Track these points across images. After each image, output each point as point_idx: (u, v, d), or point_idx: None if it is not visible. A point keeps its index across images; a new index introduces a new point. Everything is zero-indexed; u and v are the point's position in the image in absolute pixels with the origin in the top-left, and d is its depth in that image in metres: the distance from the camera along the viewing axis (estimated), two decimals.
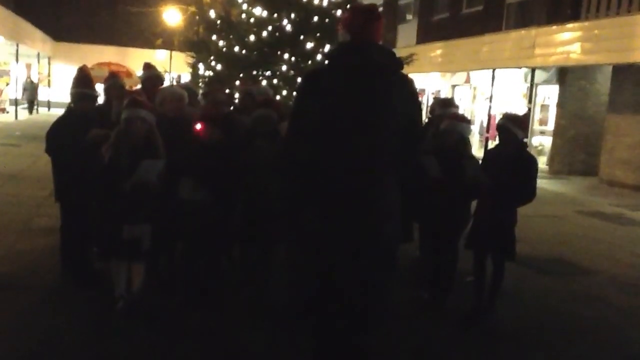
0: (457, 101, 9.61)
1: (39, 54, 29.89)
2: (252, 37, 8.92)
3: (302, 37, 8.76)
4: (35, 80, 30.47)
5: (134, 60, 29.47)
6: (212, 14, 10.03)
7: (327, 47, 8.68)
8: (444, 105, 6.28)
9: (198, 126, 4.97)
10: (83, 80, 5.60)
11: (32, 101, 29.70)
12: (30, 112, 29.10)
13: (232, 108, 6.67)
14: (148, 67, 6.72)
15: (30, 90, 29.54)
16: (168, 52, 29.14)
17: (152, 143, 4.74)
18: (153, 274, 5.15)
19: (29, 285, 5.34)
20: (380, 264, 3.27)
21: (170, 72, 12.49)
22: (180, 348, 4.29)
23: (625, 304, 6.04)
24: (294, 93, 8.34)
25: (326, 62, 3.47)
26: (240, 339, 4.49)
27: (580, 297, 6.13)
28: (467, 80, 21.84)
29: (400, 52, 8.77)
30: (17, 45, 24.31)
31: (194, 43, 10.40)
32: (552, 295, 6.10)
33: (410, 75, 3.53)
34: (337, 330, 3.32)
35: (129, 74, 24.10)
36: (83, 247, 5.54)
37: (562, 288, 6.40)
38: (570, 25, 15.07)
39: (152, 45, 31.17)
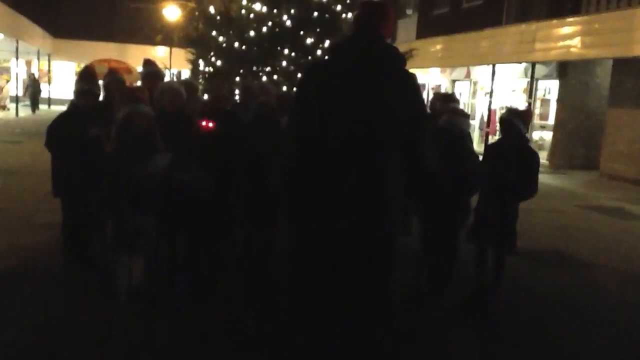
0: (457, 96, 9.61)
1: (39, 51, 29.85)
2: (252, 33, 8.92)
3: (302, 32, 8.76)
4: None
5: (133, 57, 29.42)
6: (211, 9, 10.02)
7: (327, 43, 8.68)
8: (445, 101, 6.28)
9: (205, 123, 5.04)
10: (87, 77, 5.66)
11: (35, 99, 28.56)
12: (34, 110, 27.92)
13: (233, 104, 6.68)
14: (148, 63, 6.73)
15: (34, 88, 28.56)
16: (168, 48, 29.09)
17: (152, 137, 4.77)
18: (154, 264, 5.17)
19: (31, 279, 5.35)
20: (380, 255, 3.29)
21: (170, 68, 12.52)
22: (183, 338, 4.30)
23: (625, 296, 6.06)
24: (294, 88, 8.35)
25: (329, 53, 3.49)
26: (243, 326, 4.52)
27: (581, 290, 6.14)
28: (467, 75, 21.81)
29: (400, 47, 8.71)
30: (17, 42, 24.28)
31: (194, 39, 10.41)
32: (553, 288, 6.11)
33: (411, 71, 3.55)
34: (337, 319, 3.35)
35: (129, 70, 24.05)
36: (84, 241, 5.56)
37: (563, 281, 6.40)
38: (570, 20, 15.05)
39: (152, 42, 31.16)
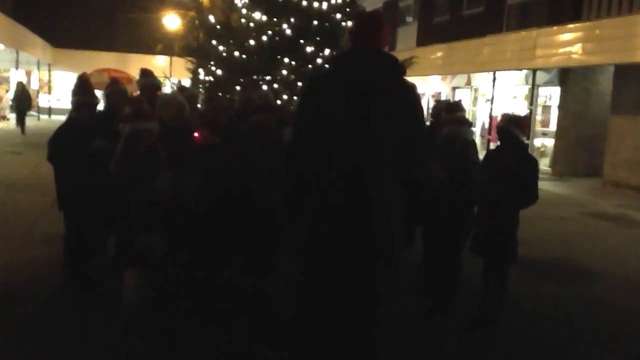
0: None
1: (39, 61, 29.88)
2: (252, 42, 8.89)
3: (302, 41, 8.74)
4: (32, 87, 29.67)
5: (134, 66, 29.28)
6: (211, 19, 10.00)
7: (327, 51, 8.66)
8: (450, 110, 6.21)
9: (196, 134, 4.98)
10: (83, 88, 5.58)
11: (23, 112, 22.57)
12: (20, 125, 22.27)
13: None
14: (145, 73, 6.67)
15: (21, 99, 22.66)
16: (168, 57, 29.12)
17: (157, 154, 4.72)
18: (157, 280, 5.11)
19: (32, 293, 5.30)
20: (380, 272, 3.24)
21: (170, 77, 12.55)
22: (181, 357, 4.25)
23: (630, 305, 5.99)
24: (295, 97, 8.32)
25: (329, 68, 3.47)
26: (242, 348, 4.45)
27: (585, 299, 6.08)
28: (468, 83, 21.81)
29: (400, 54, 8.70)
30: (17, 53, 24.32)
31: (194, 48, 10.37)
32: (557, 298, 6.05)
33: (411, 78, 3.52)
34: (338, 339, 3.29)
35: (129, 80, 24.05)
36: (86, 255, 5.50)
37: (567, 290, 6.34)
38: (571, 26, 15.04)
39: (152, 51, 31.20)
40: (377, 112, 3.17)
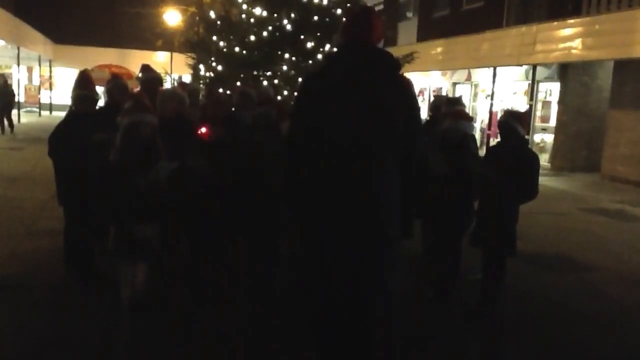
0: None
1: (40, 57, 29.89)
2: (252, 37, 8.92)
3: (302, 36, 8.76)
4: (34, 83, 29.42)
5: (134, 62, 29.39)
6: (212, 14, 10.03)
7: (327, 46, 8.68)
8: (451, 104, 6.24)
9: (203, 129, 5.01)
10: (83, 83, 5.61)
11: (6, 113, 20.69)
12: (1, 124, 20.50)
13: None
14: (146, 69, 6.70)
15: (5, 98, 20.47)
16: (169, 53, 29.13)
17: (156, 146, 4.75)
18: (157, 270, 5.14)
19: (33, 286, 5.35)
20: (380, 258, 3.28)
21: (171, 73, 12.52)
22: (184, 345, 4.29)
23: (627, 300, 6.03)
24: (295, 92, 8.35)
25: (324, 64, 3.47)
26: (246, 334, 4.50)
27: (583, 294, 6.11)
28: (468, 78, 21.81)
29: (401, 50, 8.71)
30: (18, 49, 24.33)
31: (195, 44, 10.40)
32: (555, 292, 6.09)
33: (411, 74, 3.53)
34: (340, 324, 3.33)
35: (130, 76, 24.02)
36: (87, 248, 5.54)
37: (565, 285, 6.38)
38: (571, 21, 15.03)
39: (152, 47, 31.21)
40: (371, 106, 3.17)
